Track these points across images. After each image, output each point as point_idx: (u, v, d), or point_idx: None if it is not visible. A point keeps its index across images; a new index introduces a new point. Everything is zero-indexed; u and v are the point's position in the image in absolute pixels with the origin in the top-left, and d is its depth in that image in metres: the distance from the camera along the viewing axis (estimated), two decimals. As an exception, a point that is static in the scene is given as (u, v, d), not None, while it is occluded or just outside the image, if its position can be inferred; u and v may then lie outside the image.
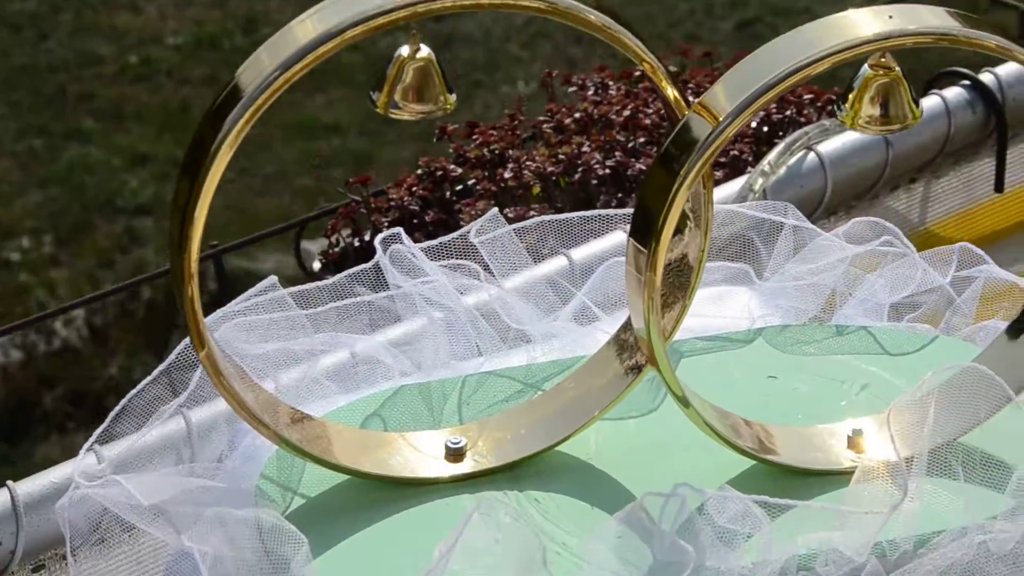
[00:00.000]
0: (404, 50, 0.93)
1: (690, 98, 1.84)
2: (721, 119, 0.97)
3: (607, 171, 1.79)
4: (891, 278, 1.27)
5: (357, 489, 1.07)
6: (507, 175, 1.81)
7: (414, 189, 1.85)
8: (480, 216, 1.78)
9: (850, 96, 0.98)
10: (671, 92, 1.00)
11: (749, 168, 1.76)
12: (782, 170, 1.74)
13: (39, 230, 3.55)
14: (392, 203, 1.85)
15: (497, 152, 1.90)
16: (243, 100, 0.94)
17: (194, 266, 0.98)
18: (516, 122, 1.95)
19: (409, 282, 1.20)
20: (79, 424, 3.06)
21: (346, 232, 1.86)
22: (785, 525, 1.01)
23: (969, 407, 1.05)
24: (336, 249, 1.84)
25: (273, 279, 1.11)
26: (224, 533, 0.97)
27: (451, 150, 1.92)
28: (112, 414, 1.07)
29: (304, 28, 0.92)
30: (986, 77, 1.93)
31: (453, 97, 0.95)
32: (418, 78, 0.93)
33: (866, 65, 0.97)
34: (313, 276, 1.85)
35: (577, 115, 1.88)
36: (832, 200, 1.80)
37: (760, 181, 1.72)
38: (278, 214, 3.40)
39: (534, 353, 1.21)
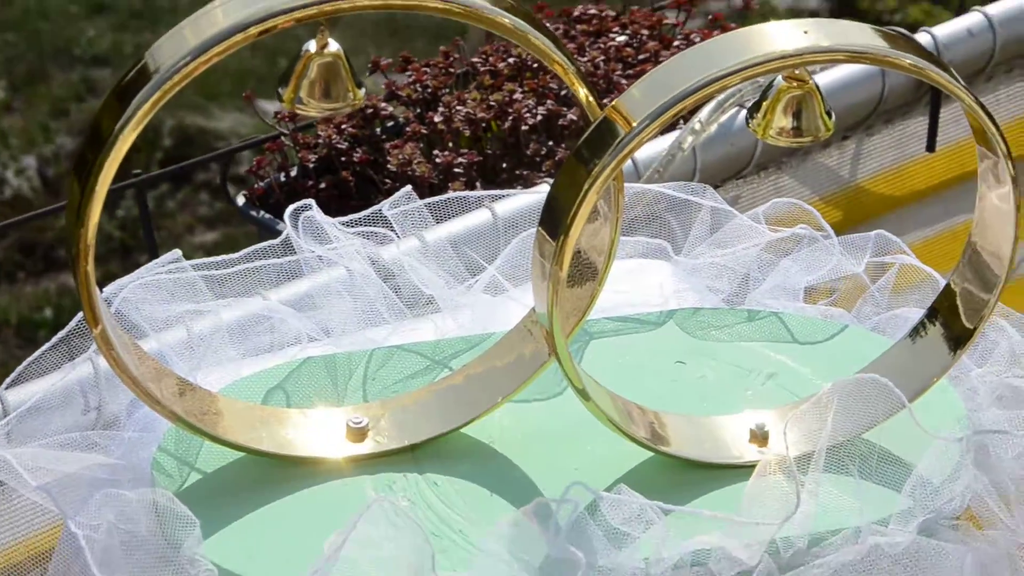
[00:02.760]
0: (311, 45, 0.92)
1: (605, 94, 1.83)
2: (634, 124, 0.96)
3: (537, 119, 1.78)
4: (806, 262, 1.27)
5: (256, 466, 1.07)
6: (437, 119, 1.79)
7: (343, 127, 1.84)
8: (408, 160, 1.78)
9: (763, 106, 0.97)
10: (583, 93, 0.99)
11: (680, 124, 1.75)
12: (713, 128, 1.73)
13: (-8, 76, 3.51)
14: (320, 140, 1.83)
15: (430, 91, 1.88)
16: (151, 83, 0.92)
17: (91, 239, 0.96)
18: (451, 60, 1.93)
19: (319, 248, 1.19)
20: (28, 274, 3.05)
21: (272, 167, 1.84)
22: (680, 522, 1.02)
23: (866, 412, 1.06)
24: (260, 184, 1.83)
25: (177, 253, 1.10)
26: (115, 513, 0.97)
27: (383, 86, 1.90)
28: (8, 380, 1.07)
29: (216, 17, 0.91)
30: (923, 37, 1.92)
31: (362, 92, 0.93)
32: (325, 74, 0.92)
33: (779, 76, 0.97)
34: (237, 211, 1.84)
35: (511, 60, 1.86)
36: (763, 157, 1.80)
37: (690, 139, 1.71)
38: (236, 67, 3.35)
39: (443, 324, 1.21)
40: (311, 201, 1.15)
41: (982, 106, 0.98)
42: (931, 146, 1.98)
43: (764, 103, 0.97)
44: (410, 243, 1.26)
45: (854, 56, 0.94)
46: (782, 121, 0.97)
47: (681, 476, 1.08)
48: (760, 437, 1.10)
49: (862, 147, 1.96)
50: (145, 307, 1.15)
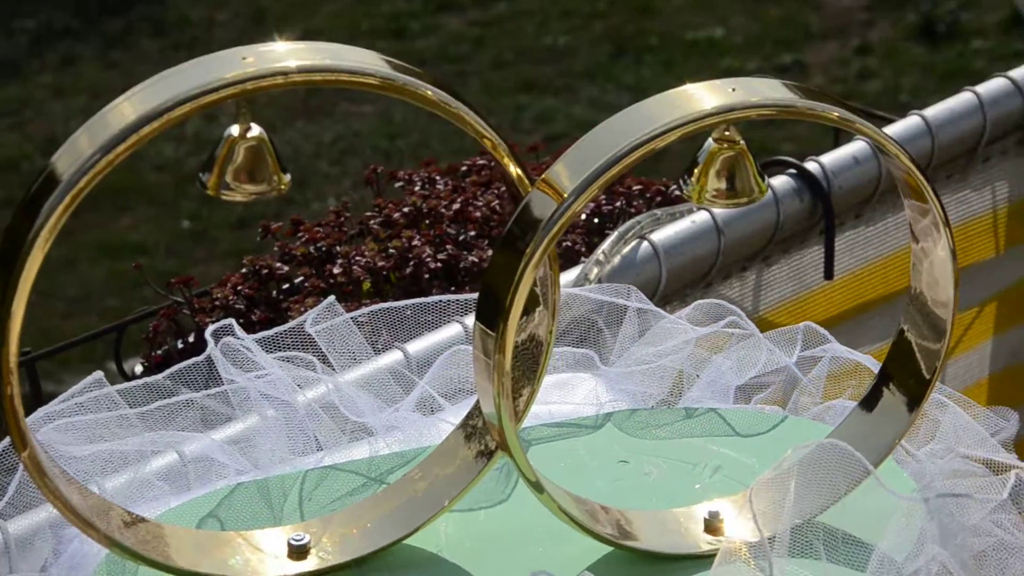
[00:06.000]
0: (234, 129, 0.89)
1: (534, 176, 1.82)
2: (566, 196, 0.94)
3: (439, 264, 1.75)
4: (737, 359, 1.25)
5: (195, 594, 1.01)
6: (336, 271, 1.76)
7: (239, 288, 1.80)
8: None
9: (695, 171, 0.96)
10: (514, 169, 0.97)
11: (583, 259, 1.73)
12: (616, 259, 1.72)
13: None
14: (217, 303, 1.79)
15: (324, 249, 1.85)
16: (61, 185, 0.88)
17: (13, 361, 0.92)
18: (342, 219, 1.91)
19: (243, 376, 1.15)
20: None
21: (168, 335, 1.79)
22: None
23: (828, 483, 1.03)
24: (159, 352, 1.78)
25: (99, 375, 1.05)
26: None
27: (276, 248, 1.87)
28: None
29: (124, 110, 0.87)
30: (811, 166, 1.94)
31: (287, 177, 0.90)
32: (250, 158, 0.89)
33: (710, 139, 0.96)
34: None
35: (406, 209, 1.84)
36: (667, 288, 1.79)
37: (595, 271, 1.69)
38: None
39: (376, 446, 1.17)
40: (231, 321, 1.11)
41: (913, 160, 0.98)
42: (828, 274, 1.99)
43: (696, 168, 0.96)
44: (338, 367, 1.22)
45: (784, 110, 0.93)
46: (716, 184, 0.95)
47: (640, 570, 1.04)
48: (714, 527, 1.06)
49: (762, 278, 1.96)
50: (63, 448, 1.09)
